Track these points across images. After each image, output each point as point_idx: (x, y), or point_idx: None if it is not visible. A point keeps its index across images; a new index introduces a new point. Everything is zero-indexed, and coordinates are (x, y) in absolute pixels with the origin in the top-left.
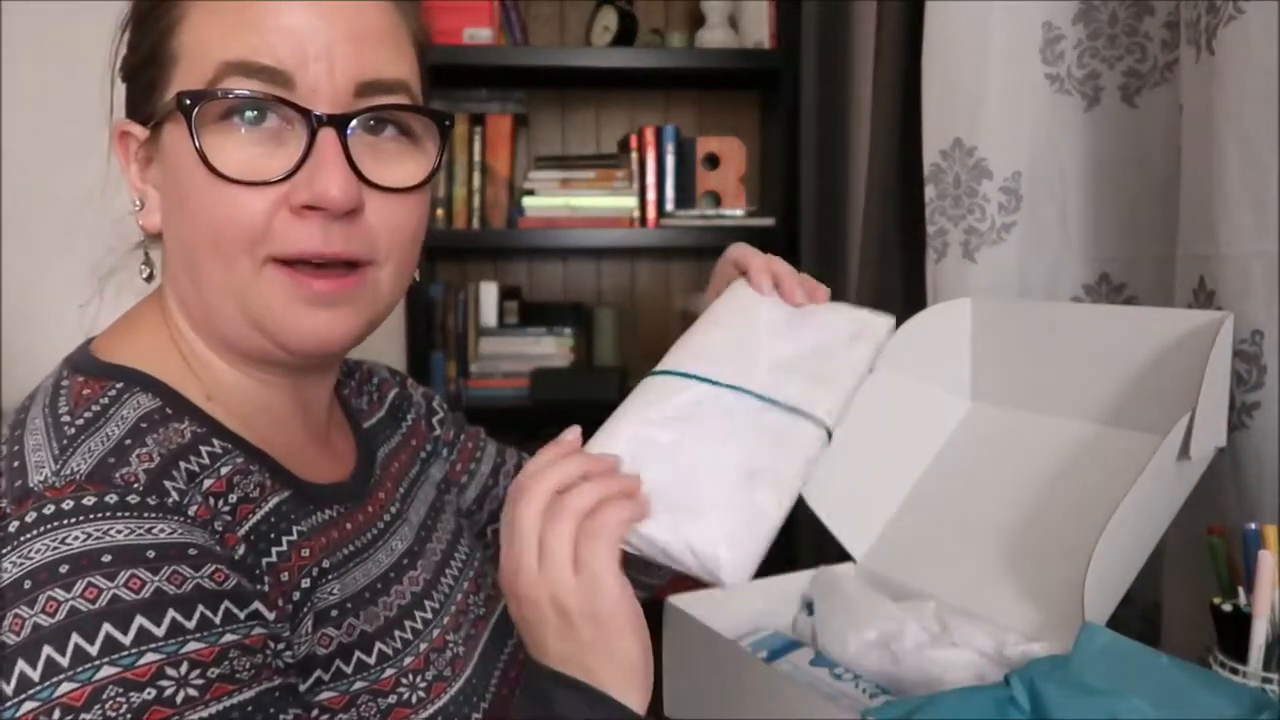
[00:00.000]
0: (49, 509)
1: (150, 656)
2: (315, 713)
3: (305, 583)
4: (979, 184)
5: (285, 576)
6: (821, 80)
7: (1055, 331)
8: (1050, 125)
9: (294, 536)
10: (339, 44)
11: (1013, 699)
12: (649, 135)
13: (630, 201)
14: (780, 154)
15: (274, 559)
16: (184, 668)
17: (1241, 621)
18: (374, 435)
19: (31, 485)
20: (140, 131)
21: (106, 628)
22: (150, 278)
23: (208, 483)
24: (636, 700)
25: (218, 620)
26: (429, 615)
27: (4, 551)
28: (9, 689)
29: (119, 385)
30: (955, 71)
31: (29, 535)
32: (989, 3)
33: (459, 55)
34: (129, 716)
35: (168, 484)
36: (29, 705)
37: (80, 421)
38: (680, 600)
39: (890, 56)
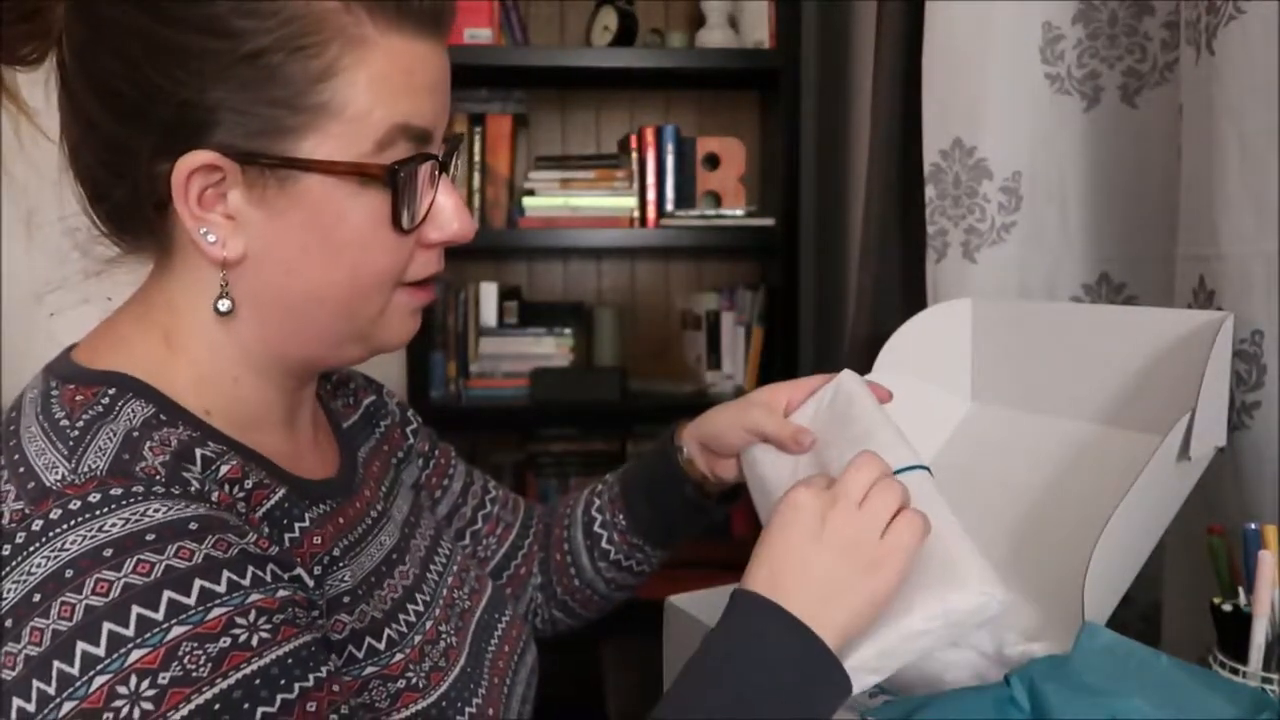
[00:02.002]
0: (75, 504)
1: (217, 611)
2: None
3: (317, 570)
4: (979, 184)
5: (299, 562)
6: (821, 80)
7: (1055, 331)
8: (1050, 125)
9: (306, 523)
10: (449, 94)
11: (1013, 699)
12: (649, 135)
13: (630, 201)
14: (780, 154)
15: (287, 545)
16: (252, 615)
17: (1241, 621)
18: (353, 435)
19: (49, 485)
20: (233, 169)
21: (168, 594)
22: (230, 311)
23: (224, 469)
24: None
25: (269, 579)
26: (420, 608)
27: (34, 548)
28: (74, 669)
29: (111, 392)
30: (955, 71)
31: (59, 530)
32: (989, 3)
33: (459, 55)
34: (209, 666)
35: (187, 475)
36: (100, 679)
37: (81, 423)
38: (680, 600)
39: (890, 56)
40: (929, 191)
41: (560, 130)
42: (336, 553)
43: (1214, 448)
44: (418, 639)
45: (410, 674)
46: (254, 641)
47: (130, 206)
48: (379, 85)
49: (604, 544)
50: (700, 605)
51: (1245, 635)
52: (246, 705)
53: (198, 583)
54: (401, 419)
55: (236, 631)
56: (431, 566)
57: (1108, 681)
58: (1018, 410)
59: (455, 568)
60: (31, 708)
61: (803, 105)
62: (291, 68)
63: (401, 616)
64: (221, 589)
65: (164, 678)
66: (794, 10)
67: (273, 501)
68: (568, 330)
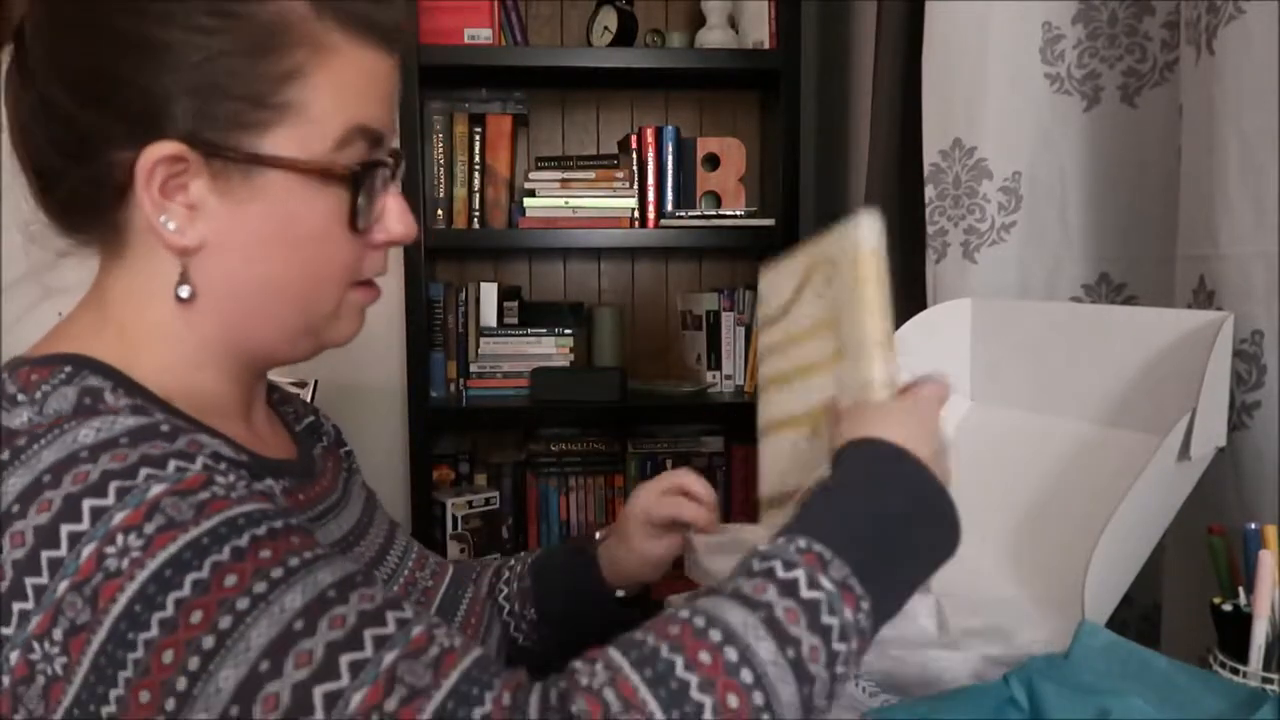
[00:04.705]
0: (42, 429)
1: (195, 471)
2: None
3: None
4: (979, 184)
5: (270, 482)
6: (821, 80)
7: (1055, 331)
8: (1050, 125)
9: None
10: (398, 107)
11: (1012, 699)
12: (649, 135)
13: (630, 202)
14: (780, 154)
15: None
16: (230, 477)
17: (1241, 621)
18: (305, 437)
19: (15, 427)
20: (197, 159)
21: (144, 469)
22: (192, 297)
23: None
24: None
25: (242, 471)
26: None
27: (5, 474)
28: (62, 552)
29: (67, 369)
30: (955, 71)
31: (31, 450)
32: (989, 3)
33: (459, 55)
34: (191, 511)
35: (154, 411)
36: (88, 549)
37: (38, 394)
38: (680, 600)
39: (890, 56)
40: (929, 191)
41: (560, 130)
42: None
43: (1214, 448)
44: None
45: None
46: (232, 495)
47: (86, 195)
48: (342, 89)
49: (512, 631)
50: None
51: (1245, 635)
52: (234, 536)
53: (173, 462)
54: (337, 440)
55: (215, 488)
56: (390, 552)
57: (1106, 681)
58: (1018, 410)
59: (414, 554)
60: (30, 605)
61: (803, 105)
62: (260, 67)
63: None
64: (196, 466)
65: (149, 527)
66: (794, 10)
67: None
68: (568, 330)
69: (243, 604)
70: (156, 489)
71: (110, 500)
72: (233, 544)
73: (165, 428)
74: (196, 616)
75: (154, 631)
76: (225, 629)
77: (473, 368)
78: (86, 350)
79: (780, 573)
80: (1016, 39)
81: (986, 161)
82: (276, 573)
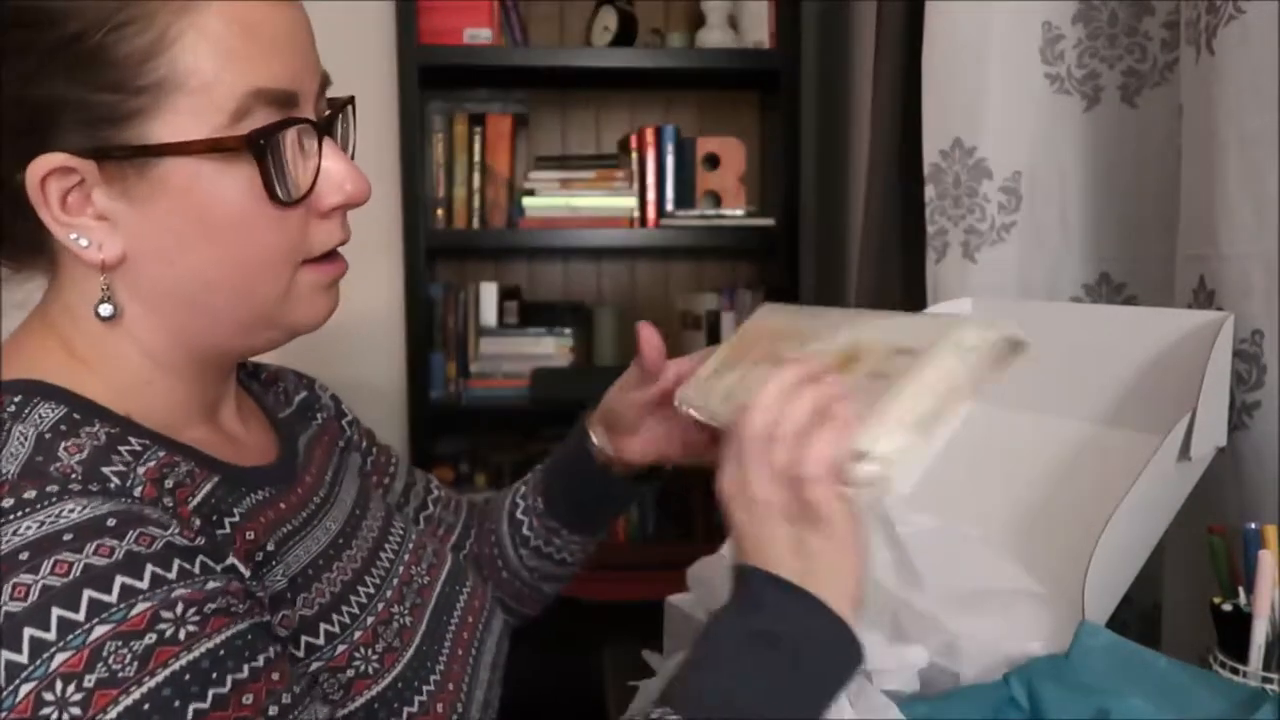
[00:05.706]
0: None
1: (141, 606)
2: None
3: (255, 561)
4: (979, 184)
5: (232, 560)
6: (821, 80)
7: (1055, 331)
8: (1050, 125)
9: (236, 519)
10: (313, 52)
11: (1012, 698)
12: (649, 135)
13: (630, 202)
14: (780, 154)
15: (219, 541)
16: (179, 609)
17: (1241, 621)
18: (291, 425)
19: None
20: (88, 167)
21: (88, 593)
22: (113, 315)
23: (142, 469)
24: (849, 614)
25: (197, 570)
26: (371, 590)
27: None
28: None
29: (17, 399)
30: (955, 71)
31: None
32: (989, 2)
33: (459, 55)
34: (136, 665)
35: (106, 470)
36: (26, 688)
37: None
38: (680, 600)
39: (890, 56)
40: (929, 191)
41: (560, 130)
42: (271, 547)
43: (1214, 448)
44: (370, 620)
45: (358, 661)
46: (181, 635)
47: (4, 221)
48: (220, 50)
49: (525, 530)
50: (701, 605)
51: (1245, 635)
52: (177, 703)
53: (119, 579)
54: (337, 411)
55: (162, 627)
56: (385, 547)
57: (1106, 681)
58: (1018, 410)
59: (411, 545)
60: None
61: (803, 105)
62: (119, 47)
63: (346, 606)
64: (144, 584)
65: (90, 680)
66: (794, 10)
67: (202, 494)
68: (568, 330)
69: None
70: (99, 631)
71: (52, 635)
72: (171, 711)
73: (112, 521)
74: None
75: None
76: None
77: (473, 368)
78: (37, 373)
79: None
80: (1016, 39)
81: (986, 161)
82: None
